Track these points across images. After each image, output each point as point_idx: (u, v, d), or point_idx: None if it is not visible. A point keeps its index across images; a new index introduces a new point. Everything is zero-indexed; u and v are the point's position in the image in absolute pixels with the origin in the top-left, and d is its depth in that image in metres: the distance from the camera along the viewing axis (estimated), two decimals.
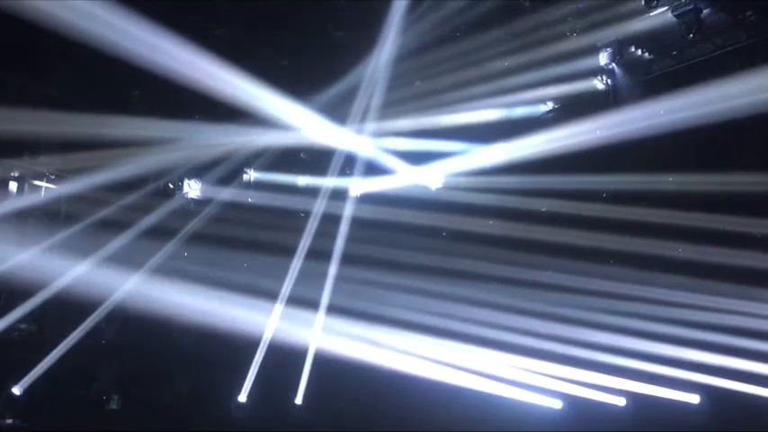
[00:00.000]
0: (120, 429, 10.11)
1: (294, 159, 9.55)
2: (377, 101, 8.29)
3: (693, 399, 10.10)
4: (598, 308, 9.81)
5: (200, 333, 9.92)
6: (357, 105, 8.36)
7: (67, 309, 9.45)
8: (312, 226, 9.23)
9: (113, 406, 10.50)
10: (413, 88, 8.46)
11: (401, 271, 9.52)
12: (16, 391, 9.30)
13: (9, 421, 9.58)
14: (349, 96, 8.38)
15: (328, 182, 9.25)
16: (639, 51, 7.62)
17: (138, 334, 10.30)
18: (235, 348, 10.06)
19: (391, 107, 8.45)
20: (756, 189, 7.96)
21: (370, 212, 9.24)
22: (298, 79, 8.37)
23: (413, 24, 7.70)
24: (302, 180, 9.65)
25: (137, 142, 8.64)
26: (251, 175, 9.61)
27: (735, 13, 6.99)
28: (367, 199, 9.42)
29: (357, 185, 9.32)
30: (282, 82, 8.12)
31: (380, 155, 8.90)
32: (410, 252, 9.45)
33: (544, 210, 9.08)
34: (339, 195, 9.37)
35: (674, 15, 6.96)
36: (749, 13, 6.96)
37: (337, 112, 8.54)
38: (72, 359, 9.51)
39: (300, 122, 8.45)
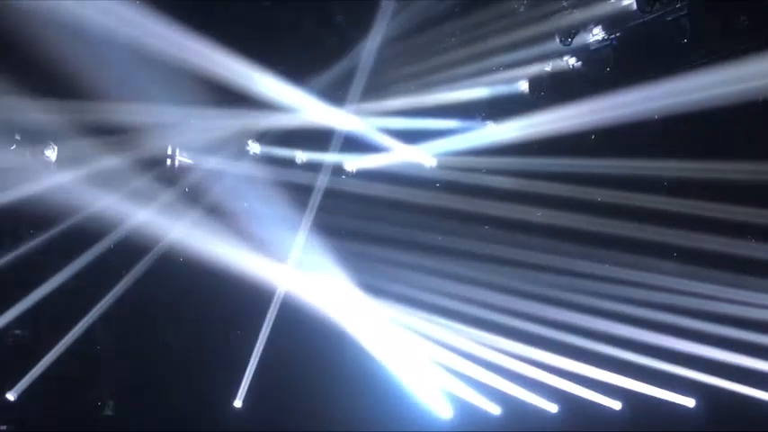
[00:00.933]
0: None
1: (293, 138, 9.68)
2: (373, 82, 8.48)
3: (689, 402, 10.70)
4: (584, 290, 10.22)
5: (193, 336, 10.68)
6: (354, 86, 8.52)
7: (61, 313, 9.92)
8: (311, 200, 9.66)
9: (108, 412, 10.62)
10: (407, 68, 8.57)
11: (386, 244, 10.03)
12: (10, 396, 9.52)
13: (3, 428, 9.71)
14: (346, 78, 8.52)
15: (326, 157, 9.55)
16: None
17: (133, 339, 10.70)
18: (229, 350, 10.76)
19: (386, 87, 8.66)
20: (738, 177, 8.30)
21: (364, 188, 9.64)
22: (295, 62, 8.45)
23: (406, 6, 7.80)
24: (301, 155, 9.85)
25: (133, 128, 8.80)
26: (252, 148, 9.75)
27: (728, 18, 6.96)
28: (362, 175, 9.80)
29: (353, 162, 9.66)
30: (280, 65, 8.27)
31: (376, 134, 9.12)
32: (396, 227, 9.94)
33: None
34: (337, 171, 9.78)
35: (668, 21, 6.97)
36: (743, 18, 6.92)
37: (334, 93, 8.72)
38: (67, 364, 9.79)
39: (298, 104, 8.62)
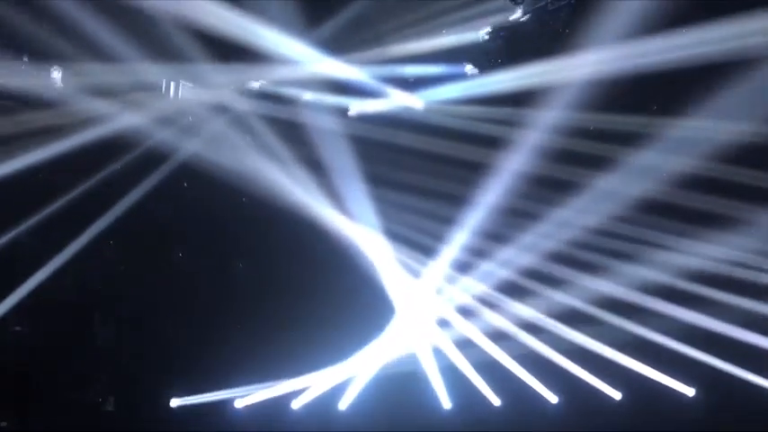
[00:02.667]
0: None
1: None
2: (369, 33, 9.13)
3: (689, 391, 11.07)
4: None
5: (194, 332, 10.81)
6: (353, 37, 9.11)
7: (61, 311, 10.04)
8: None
9: (109, 408, 10.67)
10: (400, 19, 9.21)
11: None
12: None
13: (3, 424, 9.71)
14: (345, 30, 9.07)
15: (330, 99, 10.06)
16: None
17: (134, 336, 10.76)
18: (231, 347, 10.90)
19: (382, 37, 9.28)
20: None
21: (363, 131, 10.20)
22: (295, 15, 8.86)
23: None
24: (307, 95, 10.23)
25: (139, 88, 9.21)
26: (257, 85, 10.02)
27: None
28: (364, 119, 10.35)
29: (355, 105, 10.23)
30: (280, 18, 8.70)
31: (374, 81, 9.78)
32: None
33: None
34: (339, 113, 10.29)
35: None
36: None
37: (334, 45, 9.24)
38: (67, 361, 9.94)
39: (300, 56, 9.13)
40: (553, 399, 11.66)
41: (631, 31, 8.04)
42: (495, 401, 11.72)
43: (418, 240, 10.96)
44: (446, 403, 11.70)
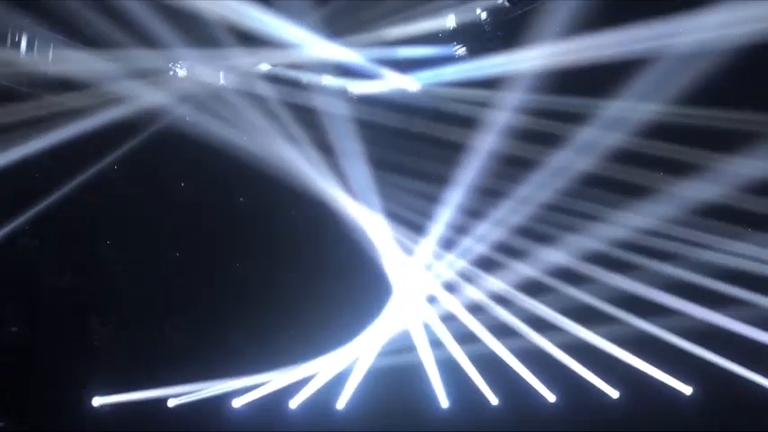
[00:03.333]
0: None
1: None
2: (366, 14, 9.36)
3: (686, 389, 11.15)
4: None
5: (192, 330, 10.89)
6: (349, 19, 9.35)
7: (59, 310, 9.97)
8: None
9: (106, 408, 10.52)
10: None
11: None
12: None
13: (2, 425, 9.53)
14: (340, 13, 9.33)
15: (329, 81, 10.39)
16: None
17: (131, 335, 10.71)
18: (227, 348, 10.97)
19: (379, 19, 9.50)
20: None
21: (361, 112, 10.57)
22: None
23: None
24: (306, 77, 10.51)
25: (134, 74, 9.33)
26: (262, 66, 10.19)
27: None
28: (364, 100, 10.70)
29: (355, 87, 10.56)
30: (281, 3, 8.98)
31: (370, 64, 10.06)
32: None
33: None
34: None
35: None
36: None
37: (330, 27, 9.49)
38: (64, 361, 9.80)
39: (297, 39, 9.37)
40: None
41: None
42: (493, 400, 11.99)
43: (411, 219, 11.33)
44: (443, 401, 11.92)
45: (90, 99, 9.12)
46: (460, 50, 9.92)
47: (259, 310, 11.14)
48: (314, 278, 11.43)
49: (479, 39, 9.69)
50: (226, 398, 11.28)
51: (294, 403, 11.62)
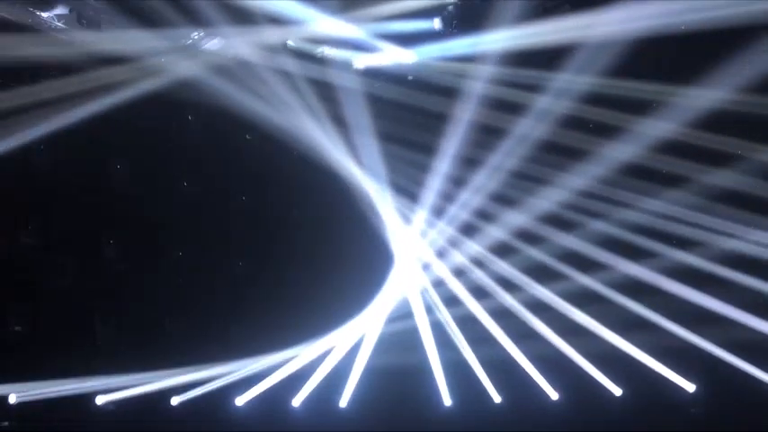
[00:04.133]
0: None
1: None
2: None
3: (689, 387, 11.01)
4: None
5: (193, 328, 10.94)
6: None
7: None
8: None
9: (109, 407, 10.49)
10: None
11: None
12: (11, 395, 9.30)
13: (5, 424, 9.57)
14: None
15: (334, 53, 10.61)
16: None
17: (132, 332, 10.76)
18: (228, 346, 11.00)
19: None
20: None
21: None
22: None
23: None
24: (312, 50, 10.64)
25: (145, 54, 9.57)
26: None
27: None
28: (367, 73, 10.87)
29: (359, 60, 10.74)
30: None
31: (372, 38, 10.34)
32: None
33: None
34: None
35: None
36: None
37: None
38: (66, 360, 9.71)
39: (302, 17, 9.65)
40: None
41: None
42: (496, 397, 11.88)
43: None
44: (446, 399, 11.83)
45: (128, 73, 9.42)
46: (436, 23, 10.22)
47: (270, 280, 11.31)
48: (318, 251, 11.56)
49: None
50: (229, 396, 11.13)
51: (297, 401, 11.49)
